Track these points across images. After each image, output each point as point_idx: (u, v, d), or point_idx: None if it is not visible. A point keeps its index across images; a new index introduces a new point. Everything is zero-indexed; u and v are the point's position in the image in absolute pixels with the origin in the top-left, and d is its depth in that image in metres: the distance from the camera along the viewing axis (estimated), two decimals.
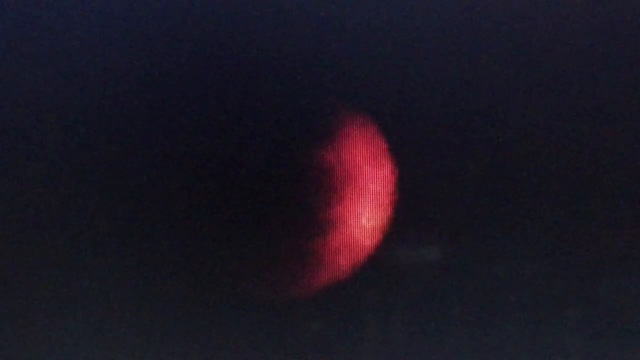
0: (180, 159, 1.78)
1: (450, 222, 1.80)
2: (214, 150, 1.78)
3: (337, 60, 1.80)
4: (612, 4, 1.82)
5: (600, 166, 1.81)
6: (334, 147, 1.79)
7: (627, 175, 1.81)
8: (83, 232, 1.78)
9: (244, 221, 1.78)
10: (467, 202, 1.80)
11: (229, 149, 1.78)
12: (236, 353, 1.81)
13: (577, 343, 1.82)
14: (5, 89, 1.79)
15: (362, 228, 1.80)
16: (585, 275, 1.82)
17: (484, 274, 1.81)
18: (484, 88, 1.80)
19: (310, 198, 1.78)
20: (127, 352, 1.81)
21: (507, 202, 1.80)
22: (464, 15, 1.80)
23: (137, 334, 1.80)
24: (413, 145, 1.79)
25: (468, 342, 1.82)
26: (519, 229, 1.80)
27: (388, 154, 1.80)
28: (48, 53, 1.79)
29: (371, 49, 1.80)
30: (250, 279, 1.80)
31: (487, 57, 1.80)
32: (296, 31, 1.79)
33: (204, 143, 1.78)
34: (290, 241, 1.78)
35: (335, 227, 1.79)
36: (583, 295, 1.82)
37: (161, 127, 1.78)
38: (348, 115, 1.79)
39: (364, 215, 1.80)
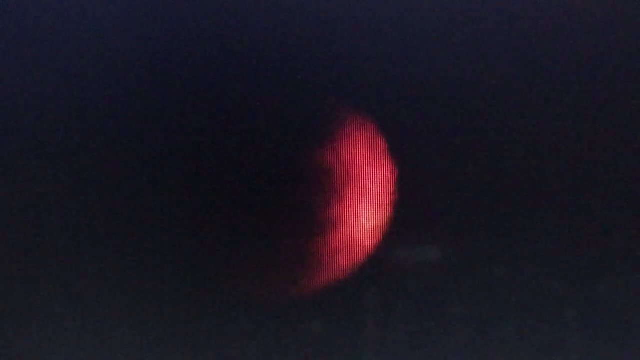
0: (180, 159, 1.78)
1: (450, 222, 1.80)
2: (214, 150, 1.78)
3: (337, 60, 1.80)
4: (612, 4, 1.82)
5: (601, 166, 1.81)
6: (334, 147, 1.79)
7: (628, 175, 1.81)
8: (83, 233, 1.78)
9: (244, 221, 1.78)
10: (467, 202, 1.80)
11: (229, 149, 1.78)
12: (236, 353, 1.81)
13: (577, 343, 1.82)
14: (5, 89, 1.79)
15: (362, 228, 1.80)
16: (585, 275, 1.82)
17: (484, 274, 1.81)
18: (484, 88, 1.80)
19: (310, 198, 1.78)
20: (127, 352, 1.81)
21: (507, 202, 1.80)
22: (464, 15, 1.80)
23: (137, 334, 1.80)
24: (413, 145, 1.80)
25: (468, 342, 1.82)
26: (519, 229, 1.80)
27: (388, 154, 1.80)
28: (48, 53, 1.79)
29: (371, 49, 1.80)
30: (250, 279, 1.80)
31: (487, 57, 1.80)
32: (296, 31, 1.79)
33: (205, 143, 1.78)
34: (290, 241, 1.78)
35: (335, 227, 1.79)
36: (583, 295, 1.82)
37: (161, 127, 1.78)
38: (348, 115, 1.79)
39: (364, 215, 1.80)
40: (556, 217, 1.81)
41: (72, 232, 1.78)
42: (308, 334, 1.81)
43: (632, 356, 1.82)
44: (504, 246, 1.81)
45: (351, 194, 1.79)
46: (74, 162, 1.78)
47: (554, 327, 1.82)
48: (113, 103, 1.79)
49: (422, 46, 1.80)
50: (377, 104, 1.79)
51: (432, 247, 1.81)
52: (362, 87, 1.80)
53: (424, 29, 1.80)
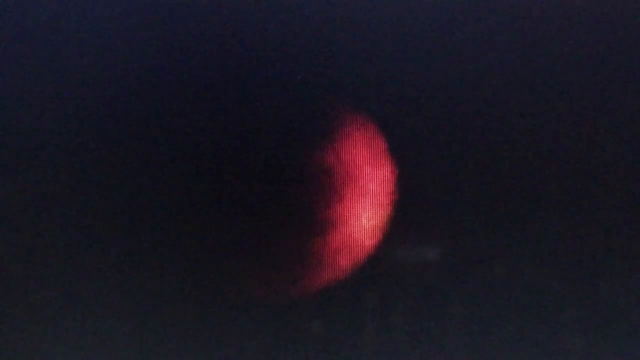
0: (180, 159, 1.78)
1: (450, 222, 1.80)
2: (214, 150, 1.78)
3: (337, 60, 1.80)
4: (612, 4, 1.82)
5: (601, 166, 1.81)
6: (334, 147, 1.79)
7: (628, 175, 1.81)
8: (83, 233, 1.78)
9: (244, 221, 1.78)
10: (467, 202, 1.80)
11: (230, 149, 1.78)
12: (236, 353, 1.81)
13: (577, 343, 1.82)
14: (5, 89, 1.79)
15: (362, 228, 1.80)
16: (585, 275, 1.82)
17: (484, 274, 1.81)
18: (484, 88, 1.80)
19: (310, 198, 1.78)
20: (127, 352, 1.81)
21: (507, 202, 1.80)
22: (464, 15, 1.80)
23: (137, 334, 1.80)
24: (413, 145, 1.80)
25: (468, 342, 1.82)
26: (519, 229, 1.80)
27: (388, 154, 1.80)
28: (48, 53, 1.79)
29: (371, 49, 1.80)
30: (250, 279, 1.80)
31: (487, 57, 1.80)
32: (296, 31, 1.79)
33: (205, 143, 1.78)
34: (290, 241, 1.78)
35: (335, 227, 1.79)
36: (583, 295, 1.82)
37: (162, 127, 1.78)
38: (348, 115, 1.79)
39: (364, 215, 1.80)
40: (556, 217, 1.80)
41: (72, 232, 1.78)
42: (308, 334, 1.81)
43: (632, 356, 1.82)
44: (504, 246, 1.81)
45: (351, 194, 1.79)
46: (74, 162, 1.78)
47: (554, 327, 1.82)
48: (113, 103, 1.79)
49: (422, 46, 1.80)
50: (377, 104, 1.79)
51: (432, 247, 1.81)
52: (362, 87, 1.80)
53: (424, 29, 1.80)
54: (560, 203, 1.80)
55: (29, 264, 1.79)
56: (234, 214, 1.78)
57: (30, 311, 1.80)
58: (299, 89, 1.79)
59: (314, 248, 1.79)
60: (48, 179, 1.78)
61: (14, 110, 1.79)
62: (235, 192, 1.78)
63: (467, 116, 1.79)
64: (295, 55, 1.79)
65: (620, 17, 1.82)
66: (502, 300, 1.82)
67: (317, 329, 1.81)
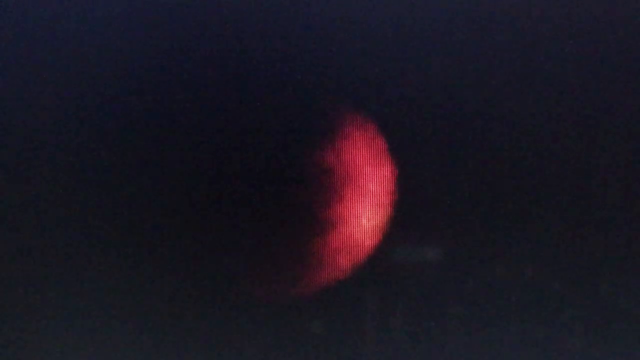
0: (181, 160, 1.78)
1: (450, 222, 1.80)
2: (214, 150, 1.78)
3: (337, 60, 1.80)
4: (612, 4, 1.82)
5: (601, 166, 1.81)
6: (334, 148, 1.79)
7: (628, 175, 1.81)
8: (83, 233, 1.78)
9: (244, 221, 1.78)
10: (467, 202, 1.80)
11: (230, 149, 1.78)
12: (236, 353, 1.81)
13: (578, 343, 1.82)
14: (5, 88, 1.79)
15: (362, 228, 1.80)
16: (585, 275, 1.82)
17: (484, 274, 1.81)
18: (484, 88, 1.80)
19: (310, 198, 1.78)
20: (127, 352, 1.81)
21: (507, 202, 1.80)
22: (464, 15, 1.80)
23: (137, 334, 1.80)
24: (413, 145, 1.80)
25: (468, 342, 1.82)
26: (519, 229, 1.80)
27: (388, 154, 1.80)
28: (48, 53, 1.79)
29: (371, 49, 1.80)
30: (250, 279, 1.80)
31: (487, 57, 1.80)
32: (296, 31, 1.79)
33: (205, 143, 1.78)
34: (290, 241, 1.78)
35: (335, 227, 1.79)
36: (583, 295, 1.82)
37: (162, 127, 1.78)
38: (348, 115, 1.79)
39: (364, 215, 1.80)
40: (556, 217, 1.80)
41: (72, 232, 1.78)
42: (308, 334, 1.81)
43: (632, 356, 1.82)
44: (504, 246, 1.81)
45: (351, 194, 1.79)
46: (74, 162, 1.78)
47: (554, 327, 1.82)
48: (113, 103, 1.79)
49: (422, 46, 1.80)
50: (377, 104, 1.79)
51: (432, 247, 1.81)
52: (362, 87, 1.80)
53: (424, 29, 1.80)
54: (560, 203, 1.80)
55: (29, 264, 1.79)
56: (234, 214, 1.78)
57: (30, 311, 1.80)
58: (299, 89, 1.79)
59: (314, 248, 1.79)
60: (48, 179, 1.78)
61: (14, 110, 1.79)
62: (236, 192, 1.78)
63: (467, 116, 1.79)
64: (295, 55, 1.79)
65: (620, 17, 1.82)
66: (502, 300, 1.82)
67: (317, 329, 1.81)
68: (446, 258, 1.81)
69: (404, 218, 1.80)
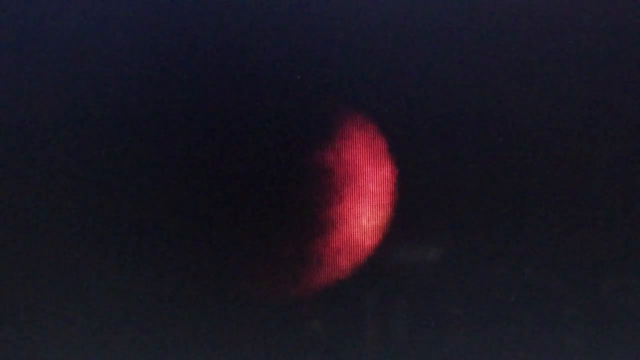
0: (180, 160, 1.78)
1: (450, 222, 1.80)
2: (214, 150, 1.78)
3: (337, 60, 1.80)
4: (612, 4, 1.82)
5: (601, 166, 1.81)
6: (334, 147, 1.79)
7: (628, 175, 1.81)
8: (83, 233, 1.78)
9: (244, 221, 1.78)
10: (467, 202, 1.80)
11: (229, 149, 1.78)
12: (236, 353, 1.81)
13: (578, 343, 1.82)
14: (5, 88, 1.79)
15: (362, 228, 1.80)
16: (586, 274, 1.82)
17: (484, 274, 1.81)
18: (484, 88, 1.80)
19: (310, 198, 1.78)
20: (127, 352, 1.81)
21: (508, 202, 1.80)
22: (464, 15, 1.80)
23: (137, 334, 1.80)
24: (413, 145, 1.79)
25: (468, 342, 1.82)
26: (519, 229, 1.80)
27: (388, 154, 1.80)
28: (48, 53, 1.79)
29: (371, 49, 1.80)
30: (250, 278, 1.80)
31: (488, 56, 1.80)
32: (296, 31, 1.79)
33: (204, 143, 1.78)
34: (290, 241, 1.78)
35: (335, 227, 1.79)
36: (583, 295, 1.82)
37: (161, 127, 1.78)
38: (348, 115, 1.79)
39: (364, 215, 1.80)
40: (556, 217, 1.80)
41: (72, 232, 1.78)
42: (308, 334, 1.81)
43: (632, 356, 1.82)
44: (504, 246, 1.81)
45: (351, 194, 1.79)
46: (74, 162, 1.78)
47: (554, 327, 1.82)
48: (113, 102, 1.79)
49: (422, 46, 1.80)
50: (377, 104, 1.79)
51: (432, 247, 1.81)
52: (362, 87, 1.79)
53: (424, 29, 1.80)
54: (560, 203, 1.80)
55: (29, 264, 1.79)
56: (234, 214, 1.78)
57: (30, 311, 1.80)
58: (299, 89, 1.79)
59: (314, 248, 1.79)
60: (48, 179, 1.78)
61: (14, 110, 1.79)
62: (235, 192, 1.77)
63: (467, 116, 1.79)
64: (295, 55, 1.79)
65: (620, 17, 1.82)
66: (502, 300, 1.82)
67: (317, 329, 1.81)
68: (446, 258, 1.81)
69: (404, 218, 1.80)
